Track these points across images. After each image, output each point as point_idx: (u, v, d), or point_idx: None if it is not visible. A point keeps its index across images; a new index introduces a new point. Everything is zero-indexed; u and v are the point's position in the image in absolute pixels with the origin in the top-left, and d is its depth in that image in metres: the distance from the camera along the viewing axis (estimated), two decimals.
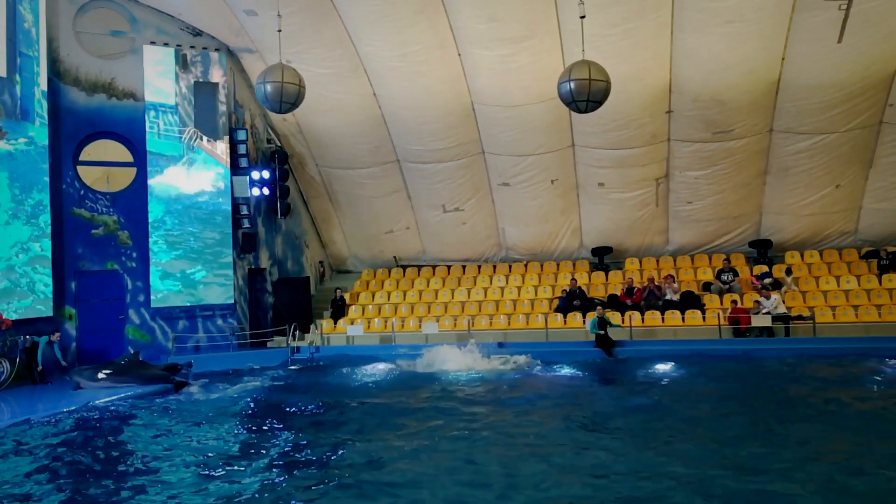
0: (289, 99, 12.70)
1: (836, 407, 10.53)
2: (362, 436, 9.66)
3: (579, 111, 12.36)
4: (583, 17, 12.40)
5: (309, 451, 8.97)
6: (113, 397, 12.98)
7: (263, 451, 9.08)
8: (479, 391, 12.57)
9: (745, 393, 11.74)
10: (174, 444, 9.69)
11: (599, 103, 12.16)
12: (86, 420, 11.43)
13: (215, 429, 10.59)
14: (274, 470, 8.22)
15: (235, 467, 8.37)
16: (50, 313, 15.62)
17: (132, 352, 15.71)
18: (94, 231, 16.69)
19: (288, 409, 11.63)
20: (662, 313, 16.87)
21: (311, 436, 9.80)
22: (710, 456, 8.22)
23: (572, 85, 11.90)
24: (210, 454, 9.07)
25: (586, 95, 11.89)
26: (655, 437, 9.12)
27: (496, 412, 10.85)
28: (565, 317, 17.39)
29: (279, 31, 13.48)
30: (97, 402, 12.65)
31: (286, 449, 9.17)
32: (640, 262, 19.52)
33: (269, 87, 12.56)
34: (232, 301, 17.71)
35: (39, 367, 14.72)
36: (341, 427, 10.31)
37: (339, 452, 8.81)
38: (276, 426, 10.50)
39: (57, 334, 15.35)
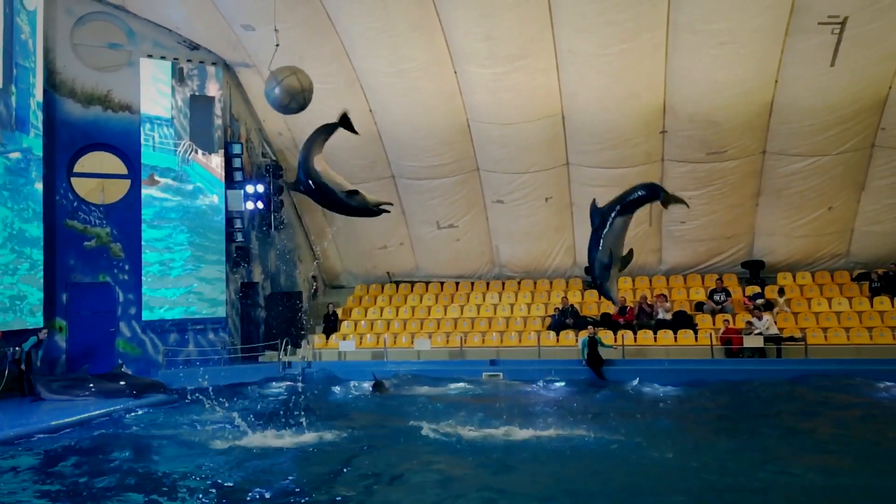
0: (297, 99, 12.45)
1: (827, 427, 10.54)
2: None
3: None
4: None
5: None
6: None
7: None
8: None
9: (734, 414, 11.75)
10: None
11: None
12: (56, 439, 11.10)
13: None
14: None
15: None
16: (40, 325, 15.49)
17: (119, 364, 15.61)
18: (86, 243, 16.60)
19: None
20: (655, 333, 16.85)
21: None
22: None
23: None
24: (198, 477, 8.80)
25: None
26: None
27: None
28: (558, 335, 17.37)
29: (277, 45, 13.45)
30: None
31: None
32: (633, 281, 19.52)
33: (278, 90, 12.34)
34: (224, 315, 17.63)
35: (23, 366, 14.46)
36: None
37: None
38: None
39: (45, 331, 15.16)
